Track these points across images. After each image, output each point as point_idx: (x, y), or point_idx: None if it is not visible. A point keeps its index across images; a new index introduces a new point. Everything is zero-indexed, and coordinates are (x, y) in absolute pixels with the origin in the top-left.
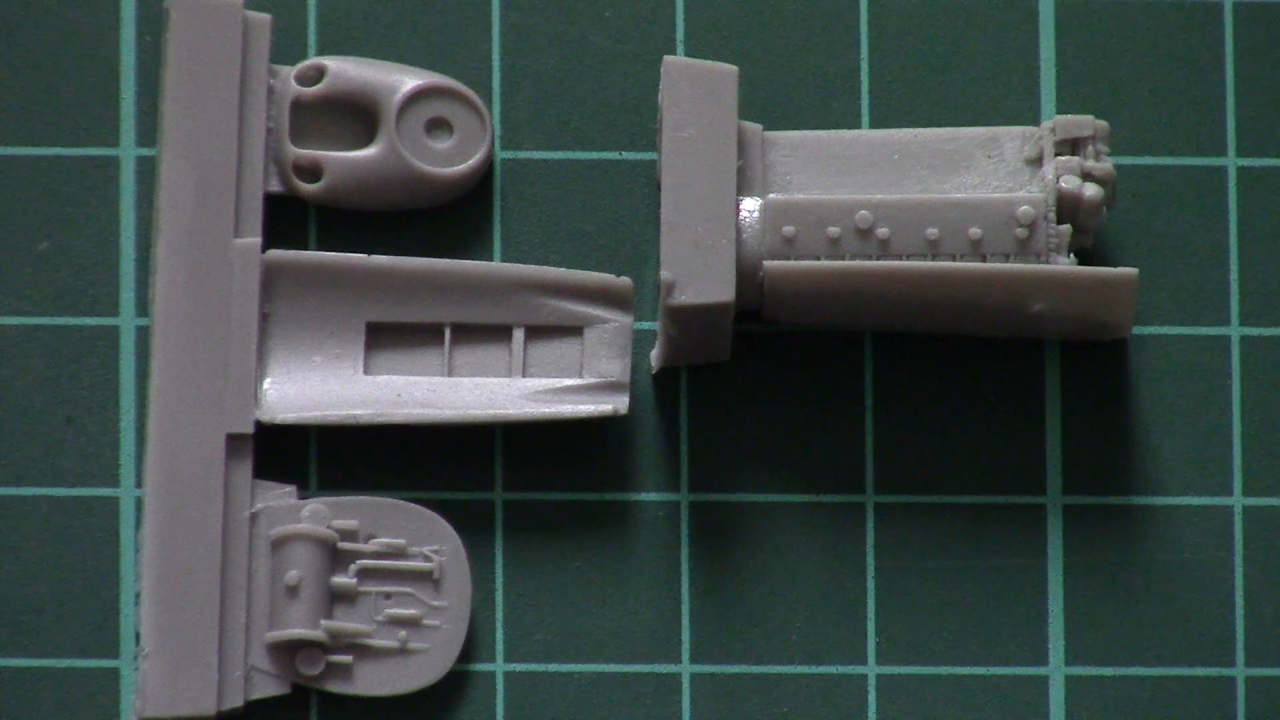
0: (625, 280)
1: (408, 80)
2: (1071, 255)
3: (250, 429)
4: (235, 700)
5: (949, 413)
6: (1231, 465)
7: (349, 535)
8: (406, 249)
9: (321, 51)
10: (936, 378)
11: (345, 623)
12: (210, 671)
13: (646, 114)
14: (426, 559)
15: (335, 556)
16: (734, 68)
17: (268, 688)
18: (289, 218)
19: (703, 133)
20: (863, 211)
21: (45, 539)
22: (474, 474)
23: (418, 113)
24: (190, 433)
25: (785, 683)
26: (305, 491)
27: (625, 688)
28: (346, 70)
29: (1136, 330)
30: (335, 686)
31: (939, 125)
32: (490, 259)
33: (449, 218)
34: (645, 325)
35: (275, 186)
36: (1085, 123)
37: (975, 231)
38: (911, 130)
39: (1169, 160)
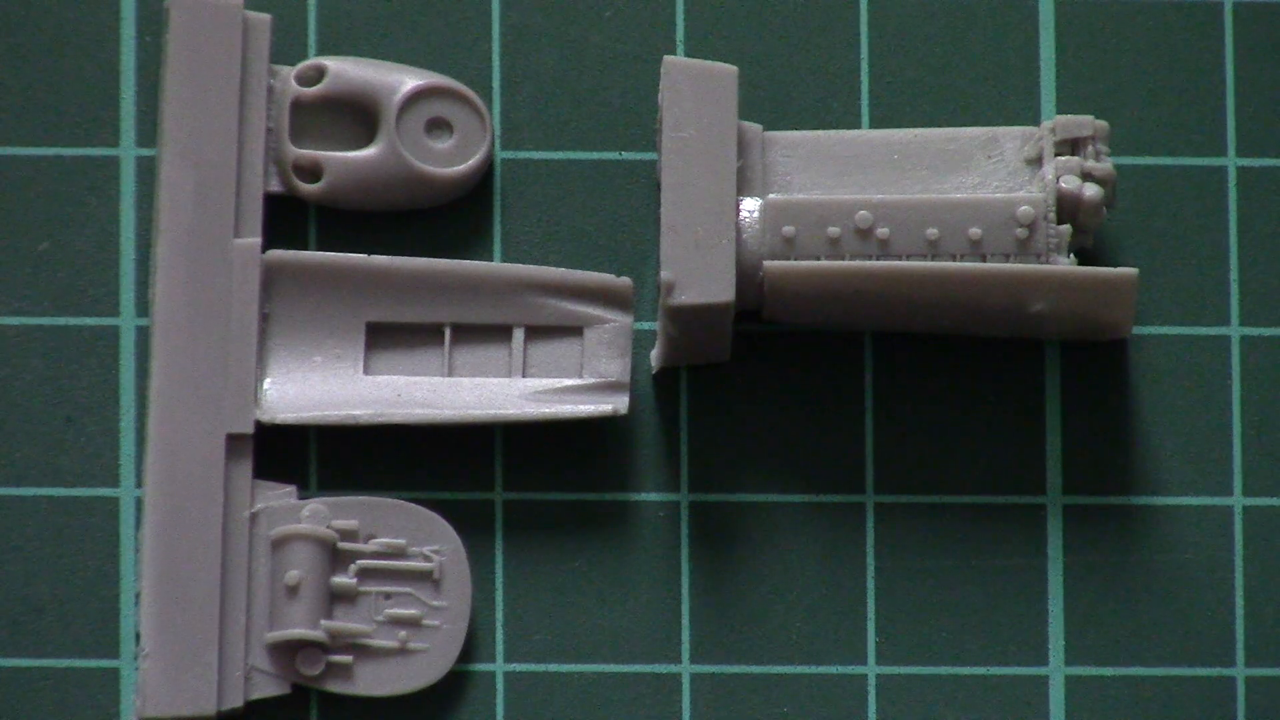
0: (625, 280)
1: (408, 80)
2: (1071, 255)
3: (250, 429)
4: (235, 700)
5: (949, 413)
6: (1231, 465)
7: (349, 535)
8: (406, 249)
9: (321, 51)
10: (936, 378)
11: (345, 623)
12: (210, 671)
13: (646, 114)
14: (426, 559)
15: (335, 556)
16: (734, 68)
17: (268, 688)
18: (289, 218)
19: (703, 133)
20: (863, 211)
21: (45, 539)
22: (474, 474)
23: (418, 113)
24: (190, 433)
25: (785, 683)
26: (305, 491)
27: (625, 688)
28: (346, 70)
29: (1136, 330)
30: (335, 686)
31: (939, 125)
32: (490, 259)
33: (449, 218)
34: (645, 325)
35: (275, 186)
36: (1085, 123)
37: (975, 231)
38: (911, 130)
39: (1169, 160)
